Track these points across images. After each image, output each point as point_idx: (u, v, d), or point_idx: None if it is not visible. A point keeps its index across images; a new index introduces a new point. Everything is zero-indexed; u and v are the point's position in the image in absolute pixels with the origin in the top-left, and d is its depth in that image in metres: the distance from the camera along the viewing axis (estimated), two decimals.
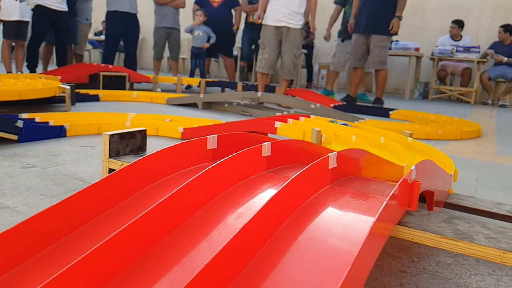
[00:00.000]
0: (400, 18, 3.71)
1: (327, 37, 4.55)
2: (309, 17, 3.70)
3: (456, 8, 5.92)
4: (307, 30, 6.09)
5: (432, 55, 5.53)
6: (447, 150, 1.94)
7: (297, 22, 3.40)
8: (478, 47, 5.24)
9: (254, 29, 4.74)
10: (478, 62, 5.20)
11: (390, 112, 3.24)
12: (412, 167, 0.68)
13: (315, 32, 3.82)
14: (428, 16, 6.17)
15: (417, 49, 5.47)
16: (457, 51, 5.26)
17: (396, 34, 3.83)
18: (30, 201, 0.98)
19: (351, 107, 3.47)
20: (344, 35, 4.38)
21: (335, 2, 4.48)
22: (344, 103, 3.73)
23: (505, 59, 5.09)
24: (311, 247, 0.51)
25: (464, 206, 0.93)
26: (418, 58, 5.68)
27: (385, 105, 3.87)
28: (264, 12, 3.53)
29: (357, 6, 3.94)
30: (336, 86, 4.99)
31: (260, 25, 3.73)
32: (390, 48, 4.10)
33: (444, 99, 5.68)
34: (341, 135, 1.58)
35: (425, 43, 5.81)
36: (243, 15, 5.09)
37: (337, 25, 4.59)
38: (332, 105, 3.41)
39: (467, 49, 5.24)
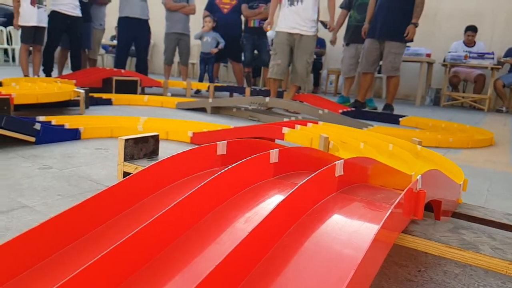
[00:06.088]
0: (416, 25, 3.68)
1: (333, 41, 4.55)
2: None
3: (469, 13, 5.87)
4: (320, 44, 6.08)
5: (444, 61, 5.47)
6: (458, 159, 1.93)
7: (310, 29, 3.42)
8: (492, 53, 5.16)
9: (254, 34, 4.74)
10: (492, 69, 5.12)
11: (400, 119, 3.22)
12: (418, 176, 0.68)
13: (333, 28, 3.81)
14: (440, 21, 6.13)
15: (428, 55, 5.42)
16: (470, 57, 5.20)
17: (411, 40, 3.80)
18: (47, 201, 1.02)
19: (360, 113, 3.45)
20: (348, 39, 4.38)
21: (341, 7, 4.49)
22: (353, 109, 3.72)
23: None
24: (316, 252, 0.52)
25: (473, 216, 0.92)
26: (430, 64, 5.63)
27: (395, 112, 3.84)
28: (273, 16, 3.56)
29: (372, 10, 3.91)
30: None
31: (261, 29, 3.69)
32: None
33: (457, 106, 5.60)
34: (349, 142, 1.59)
35: (436, 49, 5.76)
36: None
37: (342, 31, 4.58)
38: (340, 111, 3.41)
39: (481, 55, 5.17)
